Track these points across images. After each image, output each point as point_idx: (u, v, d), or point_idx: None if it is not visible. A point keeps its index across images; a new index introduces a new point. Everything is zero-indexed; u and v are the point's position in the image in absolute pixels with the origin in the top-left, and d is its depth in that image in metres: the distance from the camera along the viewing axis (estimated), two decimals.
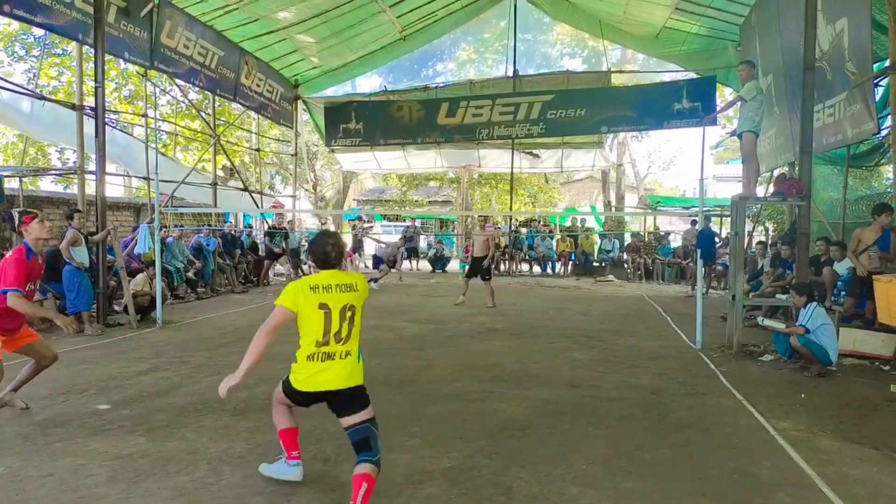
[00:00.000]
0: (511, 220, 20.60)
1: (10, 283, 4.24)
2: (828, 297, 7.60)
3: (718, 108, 14.92)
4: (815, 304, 6.17)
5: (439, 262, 19.32)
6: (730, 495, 3.33)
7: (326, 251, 3.32)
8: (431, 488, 3.36)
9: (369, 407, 3.26)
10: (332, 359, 3.26)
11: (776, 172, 11.26)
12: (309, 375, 3.18)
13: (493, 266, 12.18)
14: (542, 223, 20.54)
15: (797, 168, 9.04)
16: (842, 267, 7.76)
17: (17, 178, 10.22)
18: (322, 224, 22.72)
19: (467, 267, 11.59)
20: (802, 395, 5.25)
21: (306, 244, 17.68)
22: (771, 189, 9.74)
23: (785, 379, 5.89)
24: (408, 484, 3.40)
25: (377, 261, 15.80)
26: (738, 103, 8.01)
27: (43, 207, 10.59)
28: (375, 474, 3.00)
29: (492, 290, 10.82)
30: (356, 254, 19.57)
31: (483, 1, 16.78)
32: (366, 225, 20.61)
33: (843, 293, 7.51)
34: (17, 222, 4.81)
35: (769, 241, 12.78)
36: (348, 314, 3.38)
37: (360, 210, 27.14)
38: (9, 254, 4.49)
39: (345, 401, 3.22)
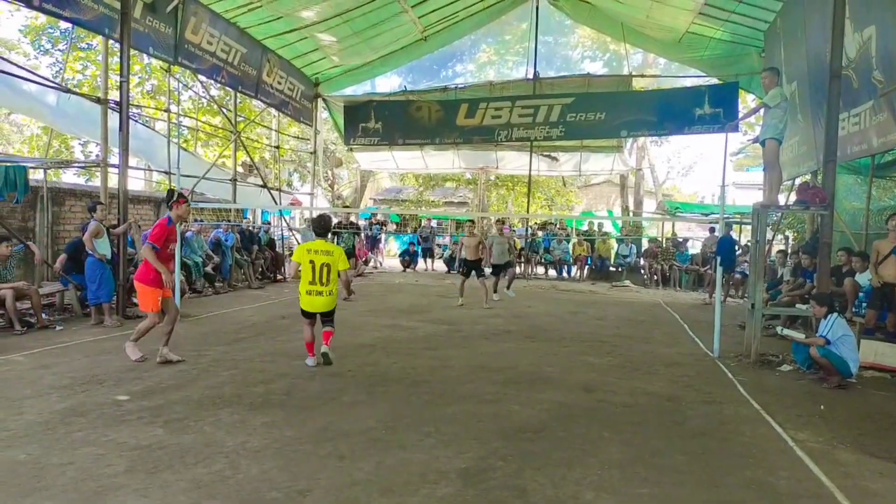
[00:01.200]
0: (528, 222, 20.55)
1: (151, 238, 5.83)
2: (849, 308, 7.50)
3: (741, 115, 14.76)
4: (835, 314, 6.09)
5: (454, 262, 19.30)
6: None
7: (317, 225, 6.18)
8: (447, 488, 3.36)
9: (333, 318, 6.19)
10: (321, 295, 5.94)
11: (798, 181, 11.13)
12: (307, 302, 5.98)
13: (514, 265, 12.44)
14: (558, 226, 20.47)
15: (820, 177, 8.93)
16: (863, 278, 7.66)
17: (42, 170, 10.36)
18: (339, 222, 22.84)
19: (461, 267, 11.67)
20: (822, 407, 5.19)
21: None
22: (793, 197, 9.63)
23: (804, 390, 5.83)
24: (423, 483, 3.41)
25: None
26: (761, 110, 7.92)
27: (65, 199, 10.74)
28: (331, 331, 6.10)
29: (486, 288, 11.04)
30: (371, 251, 19.69)
31: (505, 2, 16.76)
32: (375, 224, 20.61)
33: (864, 305, 7.41)
34: (173, 198, 6.18)
35: (789, 250, 12.64)
36: (325, 269, 5.86)
37: (375, 209, 27.20)
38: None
39: (325, 315, 6.11)
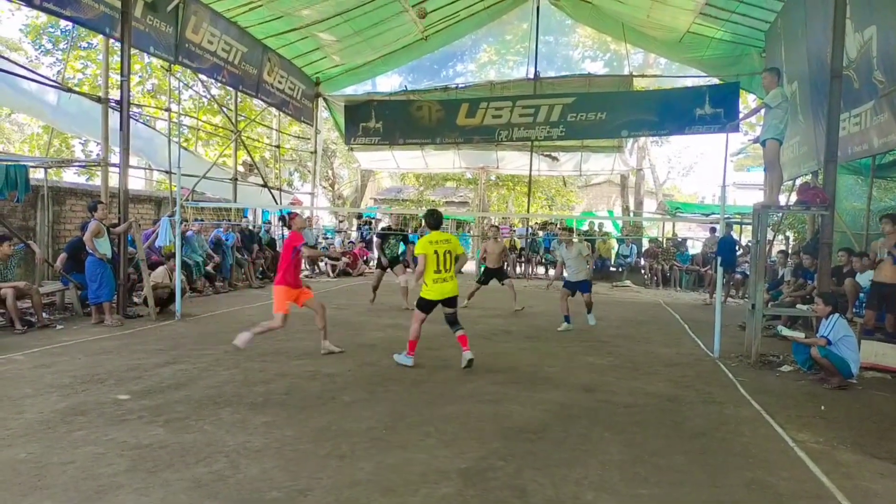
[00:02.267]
0: (528, 222, 20.55)
1: (298, 243, 6.40)
2: (850, 308, 7.50)
3: (741, 115, 14.76)
4: (837, 315, 6.09)
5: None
6: None
7: (432, 218, 6.32)
8: (447, 488, 3.36)
9: (457, 307, 6.30)
10: (446, 281, 6.11)
11: (799, 181, 11.13)
12: (437, 290, 6.08)
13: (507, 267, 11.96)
14: (559, 226, 20.47)
15: (821, 177, 8.93)
16: (864, 278, 7.66)
17: (43, 169, 10.37)
18: (339, 221, 22.86)
19: (481, 276, 11.01)
20: (822, 408, 5.19)
21: (322, 241, 17.82)
22: (794, 198, 9.63)
23: (804, 390, 5.82)
24: (424, 483, 3.41)
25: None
26: (762, 110, 7.92)
27: (66, 199, 10.75)
28: (465, 334, 6.23)
29: (514, 290, 10.68)
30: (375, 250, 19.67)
31: (505, 2, 16.76)
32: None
33: (864, 305, 7.42)
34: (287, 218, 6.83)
35: (790, 251, 12.64)
36: (447, 256, 6.11)
37: (376, 209, 27.21)
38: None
39: (451, 301, 6.19)
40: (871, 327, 7.12)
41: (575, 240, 9.18)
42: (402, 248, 10.76)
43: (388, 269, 10.66)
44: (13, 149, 22.60)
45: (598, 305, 11.46)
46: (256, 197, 15.87)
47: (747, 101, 16.94)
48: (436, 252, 6.05)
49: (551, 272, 18.42)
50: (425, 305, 6.17)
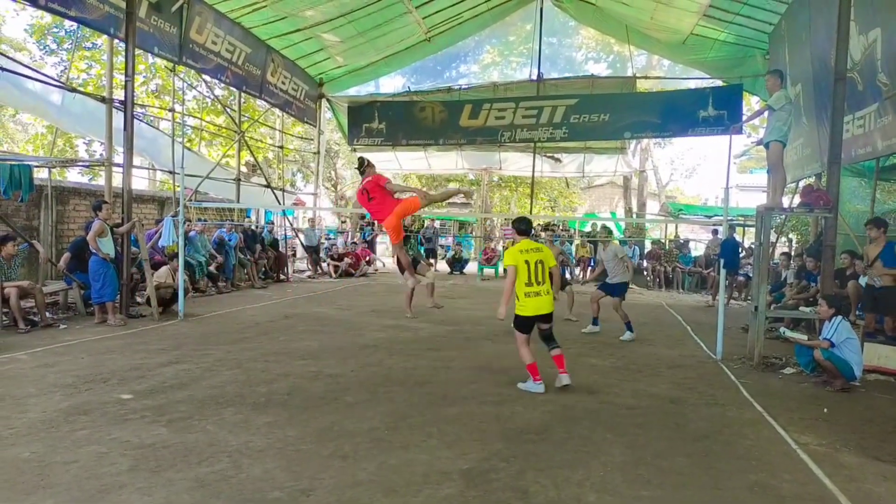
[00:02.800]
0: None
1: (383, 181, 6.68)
2: (852, 311, 7.49)
3: (745, 117, 14.74)
4: (840, 317, 6.08)
5: (458, 263, 19.32)
6: None
7: (523, 224, 5.65)
8: (449, 489, 3.36)
9: (553, 330, 5.58)
10: (539, 295, 5.36)
11: (802, 183, 11.11)
12: (532, 306, 5.35)
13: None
14: (561, 227, 20.47)
15: (824, 179, 8.91)
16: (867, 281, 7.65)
17: (46, 169, 10.40)
18: (342, 222, 22.88)
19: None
20: (825, 410, 5.18)
21: (325, 242, 17.84)
22: (797, 200, 9.62)
23: (807, 393, 5.81)
24: (426, 484, 3.41)
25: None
26: (766, 112, 7.91)
27: (70, 198, 10.77)
28: (562, 353, 5.53)
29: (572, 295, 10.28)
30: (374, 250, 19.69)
31: (509, 4, 16.76)
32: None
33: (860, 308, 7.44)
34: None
35: (793, 253, 12.61)
36: (539, 267, 5.35)
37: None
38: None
39: (547, 317, 5.46)
40: (872, 330, 7.12)
41: (612, 240, 9.13)
42: (420, 248, 10.47)
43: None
44: (17, 148, 22.66)
45: (601, 306, 11.47)
46: (259, 197, 15.89)
47: (751, 103, 16.94)
48: (526, 262, 5.31)
49: None
50: (523, 324, 5.44)
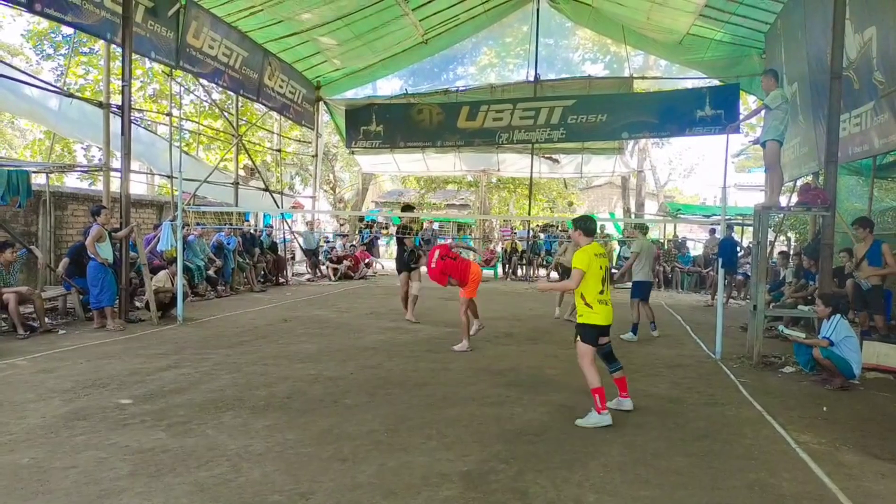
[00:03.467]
0: (529, 224, 20.56)
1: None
2: (851, 309, 7.49)
3: (742, 117, 14.76)
4: (838, 316, 6.08)
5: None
6: None
7: (590, 223, 4.89)
8: (448, 491, 3.36)
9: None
10: (607, 304, 4.74)
11: (800, 182, 11.12)
12: (605, 314, 4.69)
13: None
14: (560, 228, 20.47)
15: (822, 178, 8.93)
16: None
17: (45, 174, 10.40)
18: (341, 225, 22.87)
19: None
20: (824, 409, 5.18)
21: (324, 245, 17.84)
22: (794, 199, 9.62)
23: (806, 391, 5.82)
24: (425, 486, 3.41)
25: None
26: (762, 111, 7.93)
27: (68, 203, 10.77)
28: (624, 375, 4.99)
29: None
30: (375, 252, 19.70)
31: (506, 5, 16.79)
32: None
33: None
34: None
35: (791, 252, 12.62)
36: (607, 272, 4.80)
37: (377, 212, 27.22)
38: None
39: (608, 329, 4.83)
40: (867, 328, 7.15)
41: (639, 235, 8.88)
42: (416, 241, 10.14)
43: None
44: (15, 154, 22.68)
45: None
46: (258, 201, 15.88)
47: (748, 102, 16.94)
48: (600, 268, 4.66)
49: (553, 274, 18.45)
50: (593, 334, 4.71)
